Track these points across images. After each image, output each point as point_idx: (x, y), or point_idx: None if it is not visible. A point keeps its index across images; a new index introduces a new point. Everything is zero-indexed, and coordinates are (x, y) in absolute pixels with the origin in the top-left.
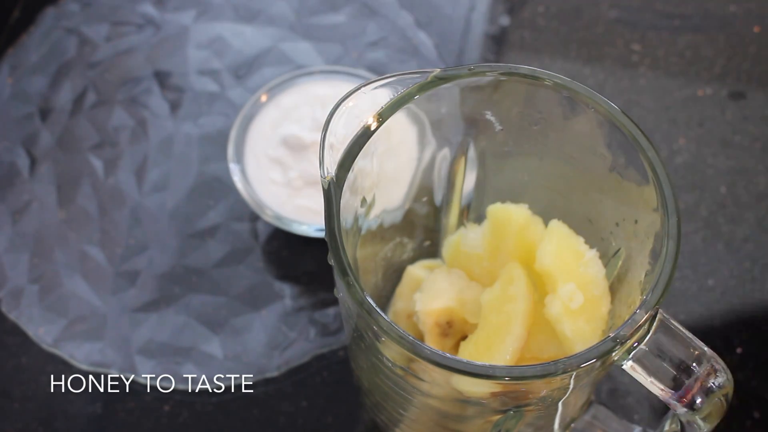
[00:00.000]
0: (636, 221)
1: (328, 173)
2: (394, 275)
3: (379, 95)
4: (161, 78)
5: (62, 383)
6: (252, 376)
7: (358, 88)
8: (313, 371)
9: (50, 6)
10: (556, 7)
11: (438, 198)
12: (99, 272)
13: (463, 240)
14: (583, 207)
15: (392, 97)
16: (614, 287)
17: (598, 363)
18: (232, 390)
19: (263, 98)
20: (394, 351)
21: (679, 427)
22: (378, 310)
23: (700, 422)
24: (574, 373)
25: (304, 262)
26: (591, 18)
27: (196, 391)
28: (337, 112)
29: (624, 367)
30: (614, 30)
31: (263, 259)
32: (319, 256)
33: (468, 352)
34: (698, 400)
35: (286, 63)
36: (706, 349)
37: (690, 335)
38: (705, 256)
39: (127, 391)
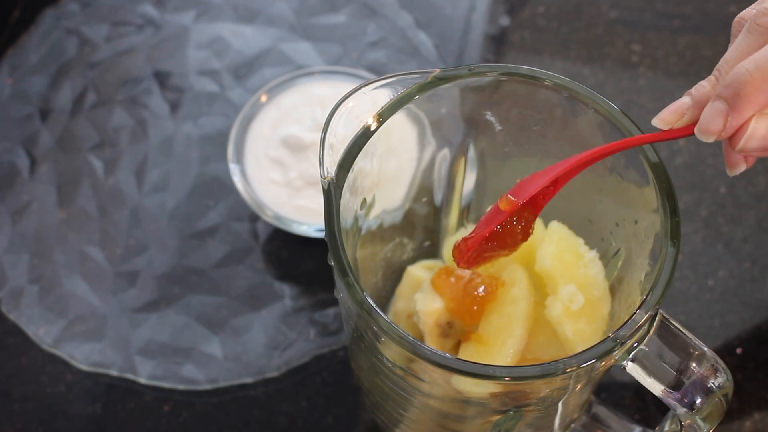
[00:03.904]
0: (636, 222)
1: (328, 173)
2: (394, 275)
3: (379, 95)
4: (161, 78)
5: (62, 383)
6: (252, 376)
7: (358, 89)
8: (313, 371)
9: (50, 6)
10: (556, 7)
11: (438, 198)
12: (99, 272)
13: None
14: (583, 207)
15: (392, 97)
16: (614, 288)
17: (599, 363)
18: (232, 390)
19: (263, 98)
20: (394, 351)
21: (679, 427)
22: (378, 310)
23: (700, 422)
24: (574, 374)
25: (304, 262)
26: (591, 18)
27: (196, 391)
28: (337, 112)
29: (624, 367)
30: (614, 30)
31: (263, 259)
32: (319, 256)
33: (468, 353)
34: (698, 401)
35: (286, 63)
36: (706, 349)
37: (690, 335)
38: (705, 256)
39: (127, 391)
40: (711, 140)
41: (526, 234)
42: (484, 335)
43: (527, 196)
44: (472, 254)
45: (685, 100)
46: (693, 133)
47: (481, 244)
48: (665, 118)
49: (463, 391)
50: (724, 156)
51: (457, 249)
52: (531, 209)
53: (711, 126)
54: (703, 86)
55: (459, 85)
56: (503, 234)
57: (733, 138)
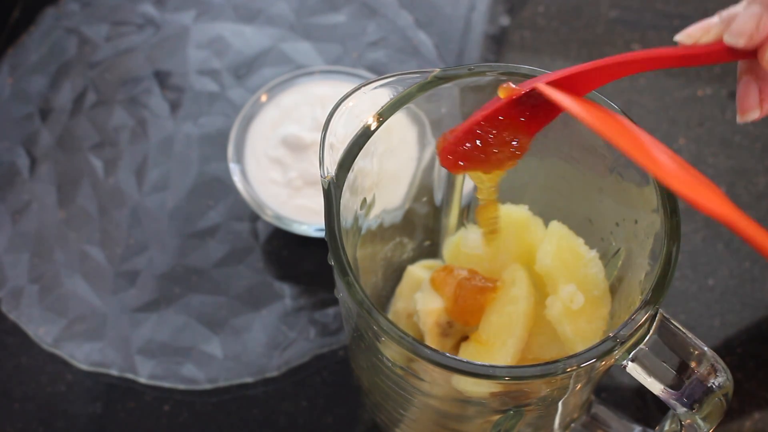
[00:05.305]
0: (636, 221)
1: (328, 173)
2: (394, 275)
3: (379, 95)
4: (161, 78)
5: (62, 383)
6: (252, 375)
7: (358, 88)
8: (313, 371)
9: (50, 6)
10: (556, 7)
11: (438, 198)
12: (99, 272)
13: (463, 241)
14: (584, 207)
15: (392, 97)
16: (614, 287)
17: (599, 363)
18: (232, 390)
19: (263, 98)
20: (394, 351)
21: (679, 426)
22: (378, 310)
23: (700, 422)
24: (574, 373)
25: (304, 262)
26: (591, 18)
27: (196, 390)
28: (337, 112)
29: (624, 367)
30: (614, 30)
31: (263, 259)
32: (319, 256)
33: (469, 353)
34: (698, 400)
35: (286, 63)
36: (706, 349)
37: (690, 335)
38: (705, 256)
39: (127, 391)
40: (741, 43)
41: (514, 154)
42: (484, 335)
43: (527, 86)
44: (456, 145)
45: (713, 19)
46: (714, 59)
47: (467, 133)
48: (691, 33)
49: (463, 391)
50: (738, 101)
51: (443, 137)
52: (527, 127)
53: (744, 27)
54: (734, 8)
55: (459, 85)
56: (491, 143)
57: (761, 48)
